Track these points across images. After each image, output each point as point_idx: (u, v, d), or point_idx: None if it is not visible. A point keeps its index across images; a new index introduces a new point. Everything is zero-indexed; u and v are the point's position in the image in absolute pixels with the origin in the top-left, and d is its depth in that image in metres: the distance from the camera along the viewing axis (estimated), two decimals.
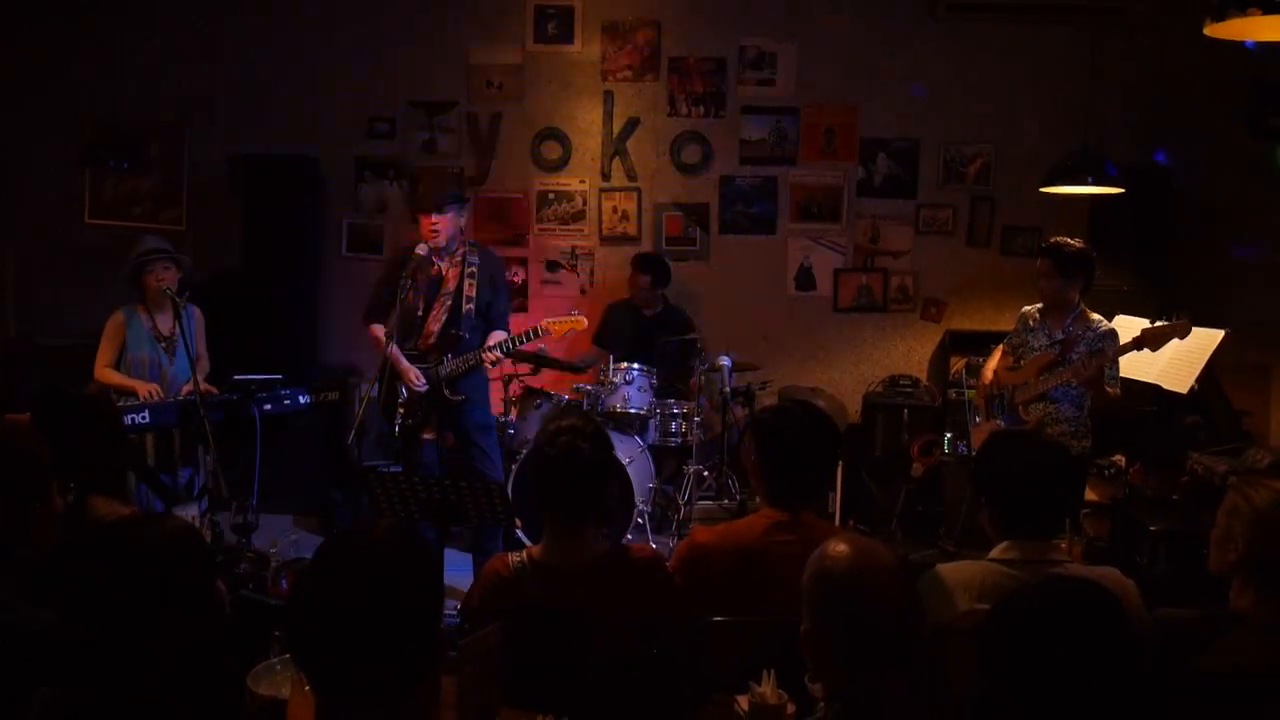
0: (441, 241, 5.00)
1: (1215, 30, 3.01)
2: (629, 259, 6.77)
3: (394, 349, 4.93)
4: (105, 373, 5.03)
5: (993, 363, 4.99)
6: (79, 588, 1.80)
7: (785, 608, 2.07)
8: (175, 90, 6.93)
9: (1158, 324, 4.40)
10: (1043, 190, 5.91)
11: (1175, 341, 4.41)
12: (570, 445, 2.70)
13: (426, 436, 5.13)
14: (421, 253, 4.97)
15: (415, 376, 4.99)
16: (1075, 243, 4.65)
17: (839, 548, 1.91)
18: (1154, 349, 4.36)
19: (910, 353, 7.13)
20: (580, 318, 5.21)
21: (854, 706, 1.83)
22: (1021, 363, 4.81)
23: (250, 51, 6.90)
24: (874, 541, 1.99)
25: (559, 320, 5.12)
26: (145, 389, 4.93)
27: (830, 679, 1.91)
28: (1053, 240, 4.73)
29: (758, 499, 3.05)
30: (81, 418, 2.98)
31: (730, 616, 2.68)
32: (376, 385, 4.95)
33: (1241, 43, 3.37)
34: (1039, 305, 4.85)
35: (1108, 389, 4.50)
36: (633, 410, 5.96)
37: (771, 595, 2.55)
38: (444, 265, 5.08)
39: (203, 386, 4.86)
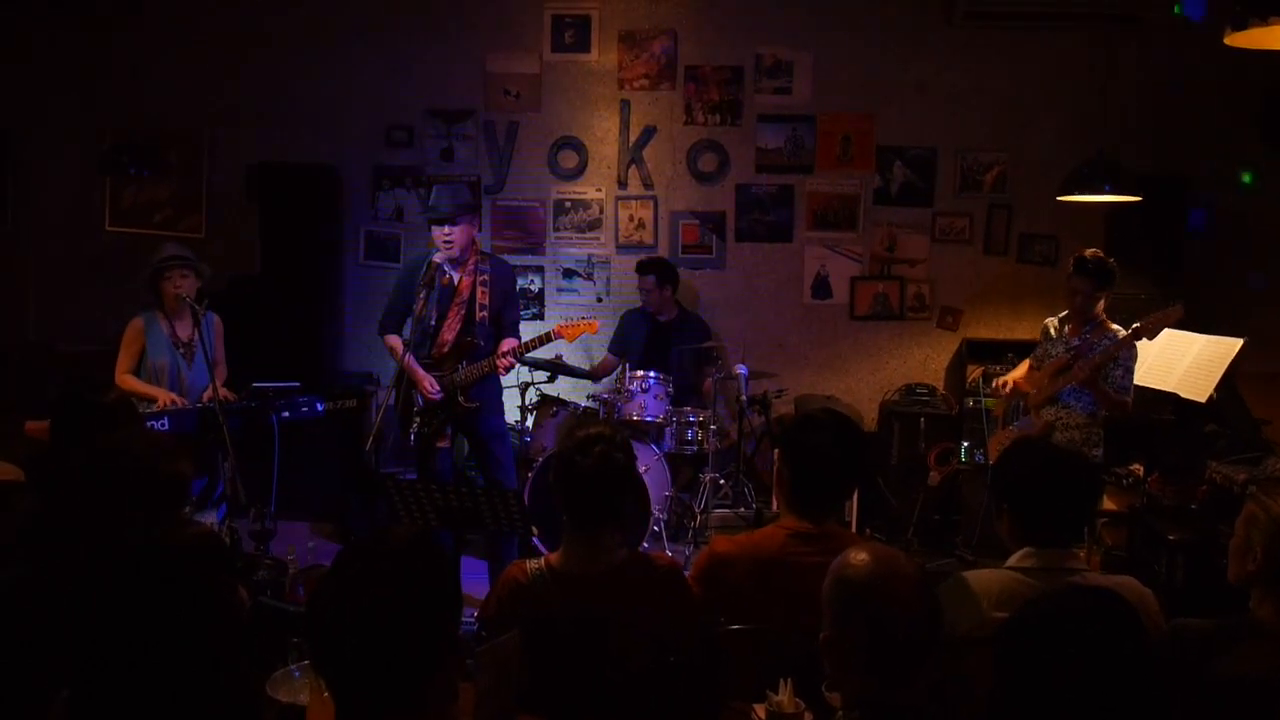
0: (455, 253, 5.02)
1: (1236, 39, 2.95)
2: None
3: (410, 358, 4.97)
4: (126, 379, 5.06)
5: (1016, 374, 5.00)
6: (101, 591, 1.81)
7: (806, 617, 2.06)
8: (195, 98, 6.98)
9: (1151, 315, 4.45)
10: (1059, 199, 5.88)
11: (1194, 350, 4.41)
12: (605, 455, 2.69)
13: (441, 444, 5.15)
14: (438, 260, 5.00)
15: (430, 385, 5.01)
16: (1105, 258, 4.66)
17: (860, 555, 1.92)
18: (1150, 338, 4.48)
19: (927, 361, 7.11)
20: (593, 321, 5.22)
21: (872, 715, 1.83)
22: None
23: (269, 60, 6.95)
24: (894, 550, 1.99)
25: (571, 324, 5.15)
26: (165, 397, 4.96)
27: (849, 687, 1.91)
28: (1089, 257, 4.67)
29: (776, 507, 3.03)
30: (104, 423, 3.00)
31: (749, 626, 2.67)
32: (393, 393, 4.99)
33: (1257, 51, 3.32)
34: (1061, 315, 4.85)
35: (1112, 394, 4.51)
36: (649, 418, 5.96)
37: (793, 605, 2.53)
38: (457, 274, 5.10)
39: (221, 393, 4.88)
